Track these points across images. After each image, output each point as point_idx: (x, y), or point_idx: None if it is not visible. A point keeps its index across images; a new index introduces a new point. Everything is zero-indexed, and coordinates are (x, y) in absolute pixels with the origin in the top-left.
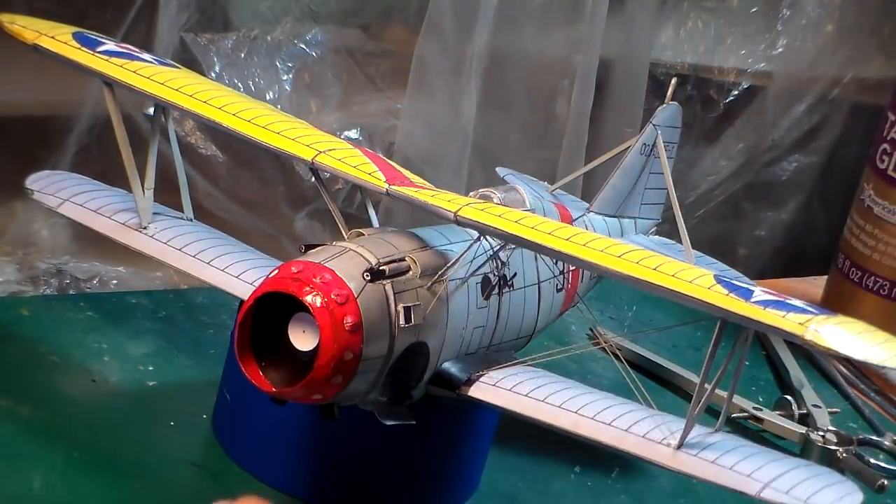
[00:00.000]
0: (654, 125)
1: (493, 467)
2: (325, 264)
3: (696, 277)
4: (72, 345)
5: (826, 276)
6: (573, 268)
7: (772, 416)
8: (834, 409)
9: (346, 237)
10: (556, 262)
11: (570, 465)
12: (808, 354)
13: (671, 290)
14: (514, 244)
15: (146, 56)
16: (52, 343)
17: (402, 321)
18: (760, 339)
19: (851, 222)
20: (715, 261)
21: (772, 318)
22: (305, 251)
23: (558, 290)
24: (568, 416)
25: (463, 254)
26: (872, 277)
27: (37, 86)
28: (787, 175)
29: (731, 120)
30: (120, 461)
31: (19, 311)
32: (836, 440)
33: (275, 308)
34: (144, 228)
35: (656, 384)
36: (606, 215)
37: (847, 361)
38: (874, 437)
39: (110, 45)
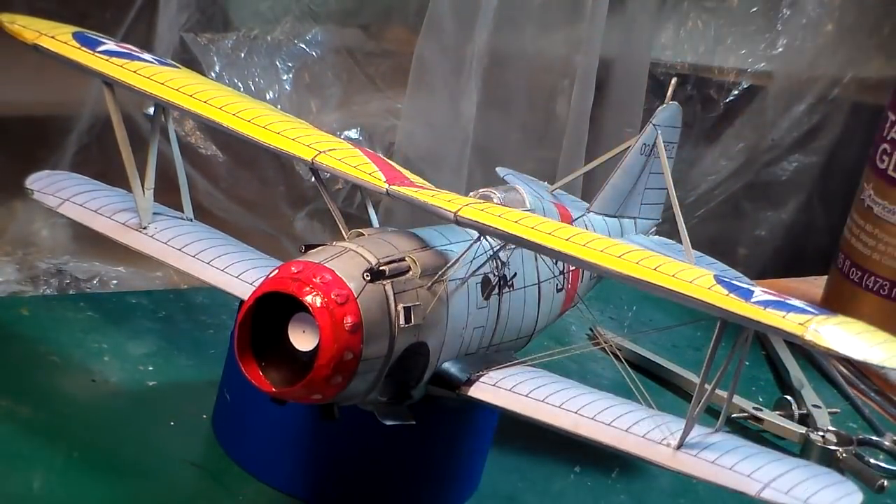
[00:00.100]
0: (654, 125)
1: (493, 467)
2: (325, 264)
3: (696, 277)
4: (72, 345)
5: (826, 276)
6: (573, 268)
7: (772, 416)
8: (834, 409)
9: (346, 237)
10: (556, 263)
11: (570, 465)
12: (808, 354)
13: (671, 290)
14: (514, 244)
15: (146, 56)
16: (52, 343)
17: (402, 321)
18: (760, 339)
19: (851, 222)
20: (715, 261)
21: (772, 318)
22: (305, 251)
23: (558, 291)
24: (568, 416)
25: (463, 254)
26: (872, 277)
27: (37, 86)
28: (787, 175)
29: (731, 120)
30: (120, 461)
31: (19, 311)
32: (836, 440)
33: (275, 308)
34: (144, 228)
35: (656, 384)
36: (606, 215)
37: (847, 361)
38: (874, 437)
39: (110, 45)
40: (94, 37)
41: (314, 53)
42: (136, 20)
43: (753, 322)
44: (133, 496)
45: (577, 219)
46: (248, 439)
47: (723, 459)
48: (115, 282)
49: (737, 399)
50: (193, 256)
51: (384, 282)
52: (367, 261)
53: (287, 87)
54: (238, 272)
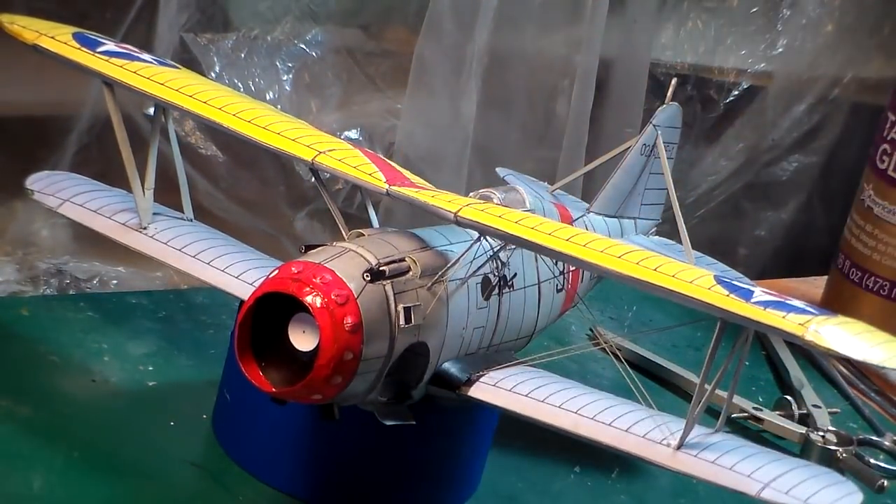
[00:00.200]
0: (654, 125)
1: (493, 467)
2: (326, 265)
3: (696, 278)
4: (72, 345)
5: (826, 276)
6: (573, 268)
7: (772, 416)
8: (834, 409)
9: (346, 237)
10: (556, 263)
11: (570, 466)
12: (808, 354)
13: (671, 290)
14: (514, 244)
15: (146, 56)
16: (52, 343)
17: (402, 321)
18: (760, 339)
19: (851, 222)
20: (715, 261)
21: (772, 318)
22: (305, 251)
23: (558, 291)
24: (568, 416)
25: (463, 254)
26: (872, 277)
27: (37, 86)
28: (787, 175)
29: (731, 120)
30: (120, 461)
31: (19, 311)
32: (836, 440)
33: (275, 308)
34: (144, 229)
35: (656, 384)
36: (606, 216)
37: (847, 361)
38: (874, 437)
39: (110, 46)
40: (94, 37)
41: (314, 53)
42: (136, 20)
43: (753, 322)
44: (133, 496)
45: (577, 219)
46: (248, 439)
47: (723, 459)
48: (115, 282)
49: (737, 399)
50: (193, 257)
51: (384, 282)
52: (368, 261)
53: (287, 87)
54: (238, 272)
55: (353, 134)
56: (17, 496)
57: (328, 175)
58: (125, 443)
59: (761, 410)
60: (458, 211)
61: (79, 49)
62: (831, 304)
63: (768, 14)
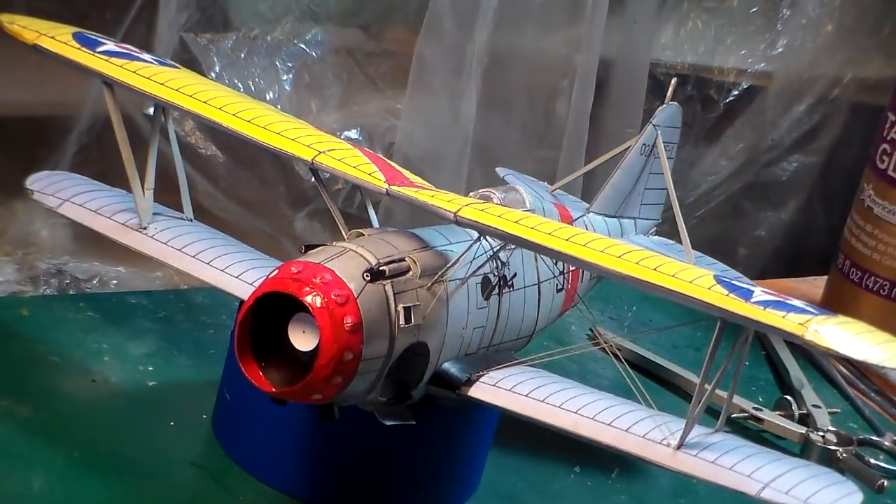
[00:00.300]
0: (654, 125)
1: (493, 467)
2: (325, 264)
3: (696, 278)
4: (72, 345)
5: (826, 276)
6: (573, 268)
7: (772, 416)
8: (834, 409)
9: (346, 237)
10: (556, 263)
11: (570, 465)
12: (808, 354)
13: (671, 290)
14: (514, 244)
15: (146, 56)
16: (52, 343)
17: (402, 321)
18: (760, 339)
19: (851, 222)
20: (715, 261)
21: (772, 318)
22: (305, 251)
23: (558, 291)
24: (568, 416)
25: (463, 254)
26: (872, 277)
27: (37, 86)
28: (787, 175)
29: (731, 120)
30: (120, 461)
31: (19, 311)
32: (836, 440)
33: (275, 308)
34: (144, 229)
35: (656, 384)
36: (606, 215)
37: (847, 361)
38: (874, 437)
39: (110, 46)
40: (94, 37)
41: (314, 53)
42: (136, 20)
43: (753, 322)
44: (133, 496)
45: (577, 219)
46: (248, 439)
47: (723, 459)
48: (115, 282)
49: (737, 399)
50: (193, 257)
51: (384, 282)
52: (367, 261)
53: (287, 87)
54: (238, 272)
55: (353, 134)
56: (17, 496)
57: (328, 175)
58: (125, 443)
59: (761, 410)
60: (458, 211)
61: (79, 49)
62: (831, 304)
63: (768, 14)
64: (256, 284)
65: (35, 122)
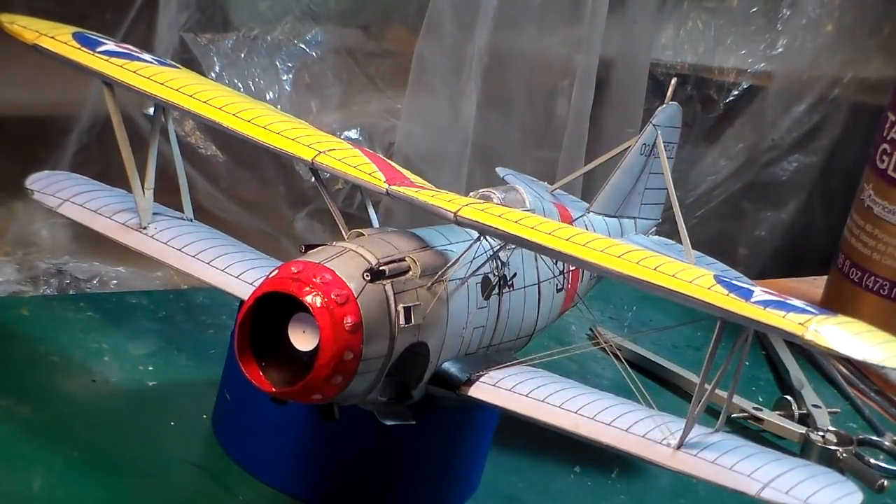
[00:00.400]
0: (654, 125)
1: (493, 467)
2: (325, 264)
3: (696, 277)
4: (72, 345)
5: (826, 276)
6: (573, 268)
7: (772, 416)
8: (834, 409)
9: (346, 237)
10: (556, 263)
11: (570, 465)
12: (808, 354)
13: (671, 290)
14: (514, 244)
15: (146, 56)
16: (52, 343)
17: (402, 321)
18: (760, 339)
19: (851, 222)
20: (715, 261)
21: (772, 318)
22: (305, 251)
23: (558, 291)
24: (568, 416)
25: (463, 254)
26: (872, 277)
27: (37, 86)
28: (787, 175)
29: (731, 120)
30: (120, 461)
31: (19, 311)
32: (836, 440)
33: (275, 308)
34: (144, 228)
35: (656, 384)
36: (606, 215)
37: (847, 361)
38: (874, 437)
39: (110, 45)
40: (94, 37)
41: (314, 53)
42: (136, 20)
43: (753, 322)
44: (133, 496)
45: (577, 219)
46: (248, 439)
47: (723, 459)
48: (115, 282)
49: (737, 399)
50: (193, 256)
51: (384, 282)
52: (367, 261)
53: (287, 87)
54: (238, 272)
55: (353, 134)
56: (17, 496)
57: (328, 175)
58: (125, 443)
59: (761, 410)
60: (458, 210)
61: (79, 49)
62: (831, 304)
63: (768, 14)
64: (256, 284)
65: (35, 122)
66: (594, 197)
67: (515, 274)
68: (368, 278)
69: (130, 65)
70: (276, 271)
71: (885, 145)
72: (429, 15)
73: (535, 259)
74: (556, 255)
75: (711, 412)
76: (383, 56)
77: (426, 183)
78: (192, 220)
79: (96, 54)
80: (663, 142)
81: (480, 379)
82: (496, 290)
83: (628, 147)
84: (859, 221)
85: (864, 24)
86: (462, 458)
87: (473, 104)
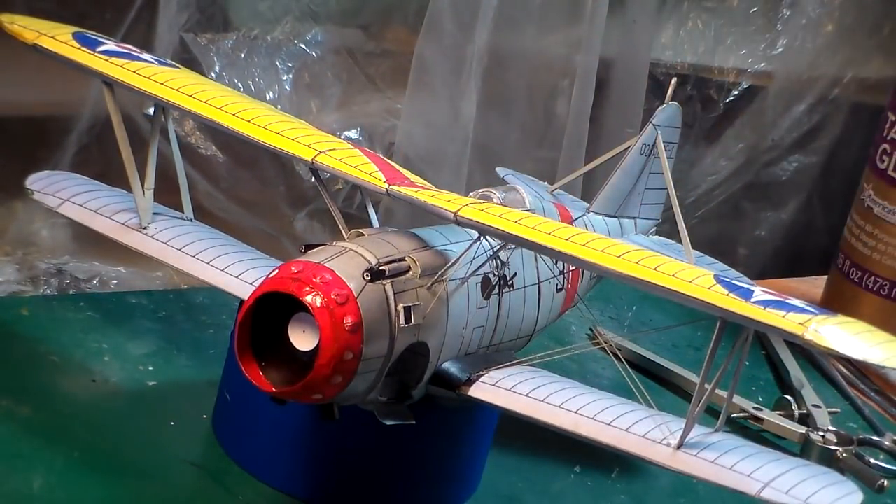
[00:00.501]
0: (654, 125)
1: (493, 467)
2: (325, 264)
3: (696, 277)
4: (72, 345)
5: (826, 276)
6: (573, 268)
7: (772, 416)
8: (834, 409)
9: (346, 237)
10: (556, 263)
11: (570, 465)
12: (808, 354)
13: (671, 290)
14: (514, 244)
15: (146, 56)
16: (52, 343)
17: (402, 321)
18: (760, 339)
19: (851, 222)
20: (715, 261)
21: (772, 318)
22: (305, 251)
23: (558, 290)
24: (568, 416)
25: (463, 254)
26: (872, 277)
27: (37, 86)
28: (787, 175)
29: (731, 120)
30: (120, 461)
31: (19, 311)
32: (836, 440)
33: (275, 308)
34: (144, 228)
35: (656, 384)
36: (606, 215)
37: (847, 361)
38: (874, 437)
39: (110, 45)
40: (94, 37)
41: (314, 53)
42: (136, 20)
43: (753, 322)
44: (133, 496)
45: (577, 219)
46: (248, 439)
47: (723, 459)
48: (115, 282)
49: (737, 399)
50: (193, 256)
51: (384, 282)
52: (367, 261)
53: (287, 87)
54: (238, 272)
55: (353, 134)
56: (17, 496)
57: (328, 175)
58: (125, 443)
59: (761, 410)
60: (458, 210)
61: (79, 49)
62: (831, 304)
63: (768, 14)
64: (256, 284)
65: (35, 122)
66: (594, 197)
67: (515, 274)
68: (368, 278)
69: (130, 65)
70: (276, 271)
71: (885, 145)
72: (429, 15)
73: (535, 259)
74: (556, 255)
75: (711, 412)
76: (383, 56)
77: (426, 183)
78: (192, 220)
79: (96, 54)
80: (663, 142)
81: (480, 379)
82: (496, 289)
83: (628, 147)
84: (859, 221)
85: (864, 24)
86: (462, 458)
87: (473, 104)
